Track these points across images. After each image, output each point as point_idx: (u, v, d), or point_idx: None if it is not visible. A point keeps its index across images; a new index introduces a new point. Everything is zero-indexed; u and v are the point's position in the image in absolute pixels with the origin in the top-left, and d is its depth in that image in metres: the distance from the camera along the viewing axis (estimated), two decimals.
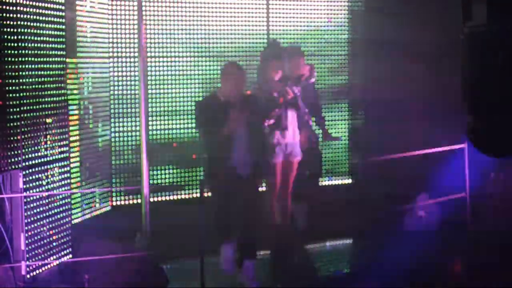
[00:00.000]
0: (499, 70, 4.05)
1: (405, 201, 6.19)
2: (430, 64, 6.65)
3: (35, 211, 4.76)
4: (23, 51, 4.49)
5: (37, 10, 4.69)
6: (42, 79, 4.78)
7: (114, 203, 6.35)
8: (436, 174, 5.95)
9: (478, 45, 4.63)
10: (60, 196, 5.10)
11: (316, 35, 7.29)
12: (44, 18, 4.77)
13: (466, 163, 5.72)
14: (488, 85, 3.87)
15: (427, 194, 6.14)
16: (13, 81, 4.34)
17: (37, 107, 4.75)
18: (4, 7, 4.33)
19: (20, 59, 4.47)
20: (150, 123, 6.26)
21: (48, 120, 4.89)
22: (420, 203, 6.05)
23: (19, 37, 4.45)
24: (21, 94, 4.48)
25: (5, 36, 4.36)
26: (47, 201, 4.94)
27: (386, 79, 6.78)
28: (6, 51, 4.36)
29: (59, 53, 5.03)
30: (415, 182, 6.14)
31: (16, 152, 4.48)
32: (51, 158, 4.95)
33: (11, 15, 4.36)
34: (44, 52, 4.89)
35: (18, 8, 4.45)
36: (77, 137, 5.68)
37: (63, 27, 5.03)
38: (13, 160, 4.45)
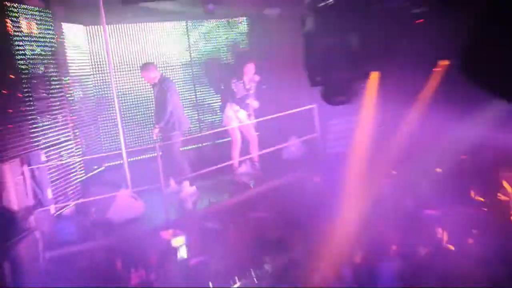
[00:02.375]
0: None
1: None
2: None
3: (54, 174, 5.67)
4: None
5: (42, 49, 5.57)
6: (51, 90, 5.69)
7: (106, 165, 7.15)
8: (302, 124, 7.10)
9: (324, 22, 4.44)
10: (70, 163, 6.01)
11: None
12: (47, 52, 5.68)
13: (316, 117, 6.87)
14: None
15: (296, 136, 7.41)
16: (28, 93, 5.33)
17: (50, 109, 5.61)
18: (20, 47, 5.27)
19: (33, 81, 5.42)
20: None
21: (59, 117, 5.77)
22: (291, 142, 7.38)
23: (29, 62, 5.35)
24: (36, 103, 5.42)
25: (24, 63, 5.29)
26: (61, 167, 5.83)
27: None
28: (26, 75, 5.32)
29: (57, 72, 5.84)
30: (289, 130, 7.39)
31: (37, 139, 5.36)
32: (60, 140, 5.82)
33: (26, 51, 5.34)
34: (49, 74, 5.66)
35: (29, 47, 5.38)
36: (76, 126, 6.54)
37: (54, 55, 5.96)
38: (35, 144, 5.33)
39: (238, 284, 5.54)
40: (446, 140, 5.60)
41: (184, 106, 7.35)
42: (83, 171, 6.53)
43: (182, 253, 5.70)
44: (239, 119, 6.83)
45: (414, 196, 5.90)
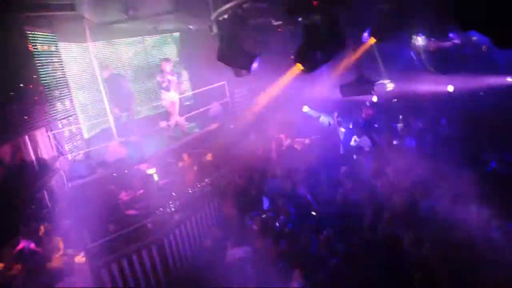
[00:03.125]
0: None
1: None
2: None
3: (68, 135, 7.11)
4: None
5: (51, 59, 6.67)
6: (59, 85, 6.93)
7: (100, 127, 8.49)
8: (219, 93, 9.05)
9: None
10: (74, 128, 7.43)
11: None
12: (55, 61, 6.84)
13: (226, 89, 8.92)
14: None
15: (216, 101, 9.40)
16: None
17: (60, 96, 6.85)
18: (38, 59, 6.37)
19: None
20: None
21: (66, 101, 7.20)
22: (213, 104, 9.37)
23: (44, 67, 6.52)
24: (51, 93, 6.63)
25: (41, 68, 6.39)
26: (72, 131, 7.28)
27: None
28: (43, 75, 6.43)
29: (62, 72, 7.07)
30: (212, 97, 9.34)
31: (55, 115, 6.56)
32: (68, 115, 7.20)
33: (41, 61, 6.48)
34: (57, 74, 6.87)
35: (44, 59, 6.47)
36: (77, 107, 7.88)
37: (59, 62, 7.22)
38: (53, 118, 6.50)
39: (192, 192, 7.53)
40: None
41: (140, 90, 9.00)
42: (86, 132, 7.92)
43: (155, 177, 7.28)
44: (167, 97, 8.31)
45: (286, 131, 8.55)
